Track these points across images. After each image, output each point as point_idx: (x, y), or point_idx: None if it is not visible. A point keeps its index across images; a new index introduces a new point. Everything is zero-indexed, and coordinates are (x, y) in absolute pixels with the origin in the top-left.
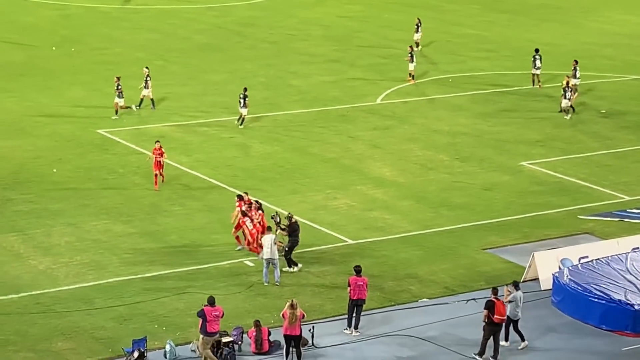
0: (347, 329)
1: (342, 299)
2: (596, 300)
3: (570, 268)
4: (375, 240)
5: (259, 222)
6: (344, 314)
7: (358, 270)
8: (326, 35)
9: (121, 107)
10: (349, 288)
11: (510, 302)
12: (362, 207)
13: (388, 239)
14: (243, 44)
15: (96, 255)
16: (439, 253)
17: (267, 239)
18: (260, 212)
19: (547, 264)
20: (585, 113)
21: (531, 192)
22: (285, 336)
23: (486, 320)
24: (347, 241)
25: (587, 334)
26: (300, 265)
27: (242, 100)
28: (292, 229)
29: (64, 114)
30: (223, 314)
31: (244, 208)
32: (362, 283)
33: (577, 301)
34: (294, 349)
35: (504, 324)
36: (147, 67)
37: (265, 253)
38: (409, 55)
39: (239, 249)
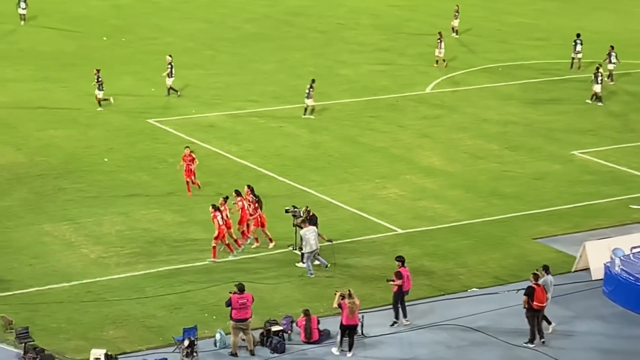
0: (397, 322)
1: (390, 289)
2: None
3: (622, 258)
4: (424, 230)
5: (258, 216)
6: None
7: (404, 261)
8: (375, 24)
9: (100, 99)
10: (400, 280)
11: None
12: (412, 196)
13: (437, 228)
14: (292, 33)
15: (146, 244)
16: (489, 243)
17: (311, 232)
18: (257, 206)
19: (598, 254)
20: (638, 102)
21: (582, 182)
22: (345, 326)
23: (526, 307)
24: (396, 230)
25: (639, 324)
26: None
27: (308, 91)
28: (313, 223)
29: (114, 104)
30: (252, 301)
31: (244, 203)
32: (408, 273)
33: (629, 291)
34: (347, 339)
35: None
36: (170, 56)
37: (312, 245)
38: (438, 40)
39: (248, 244)
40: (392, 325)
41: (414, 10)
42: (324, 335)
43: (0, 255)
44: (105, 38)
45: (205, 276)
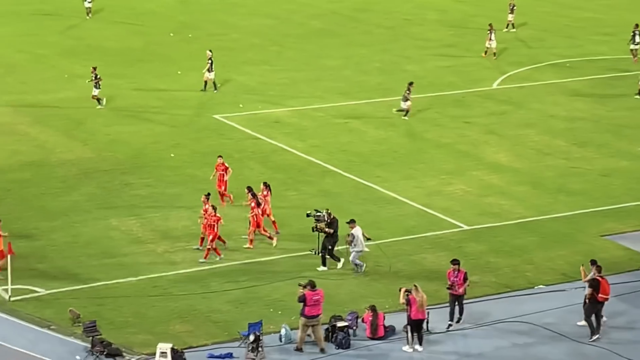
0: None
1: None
2: None
3: None
4: (490, 226)
5: (254, 215)
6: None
7: (458, 262)
8: (442, 19)
9: (93, 97)
10: (459, 283)
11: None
12: (478, 192)
13: (504, 224)
14: (358, 29)
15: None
16: (556, 239)
17: (359, 232)
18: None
19: None
20: None
21: None
22: (414, 321)
23: (589, 299)
24: (462, 227)
25: None
26: (343, 260)
27: (405, 94)
28: (336, 227)
29: (181, 100)
30: (323, 297)
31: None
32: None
33: None
34: (415, 333)
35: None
36: (210, 51)
37: (360, 245)
38: (488, 32)
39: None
40: (448, 328)
41: (480, 5)
42: (390, 332)
43: (68, 249)
44: (172, 34)
45: (270, 271)
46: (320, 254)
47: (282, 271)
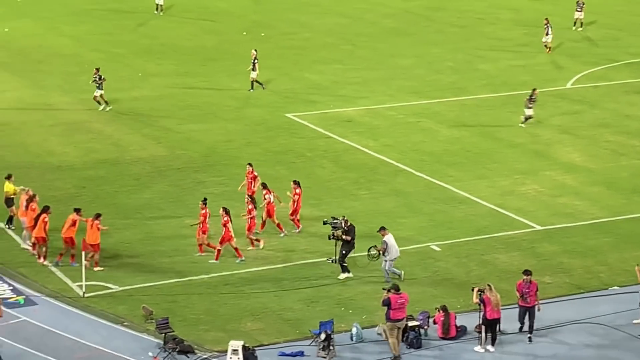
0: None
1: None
2: None
3: None
4: (564, 227)
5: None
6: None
7: (530, 273)
8: (515, 18)
9: (95, 98)
10: (532, 295)
11: None
12: (551, 192)
13: (577, 225)
14: (431, 28)
15: (284, 238)
16: (631, 240)
17: (391, 240)
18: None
19: None
20: None
21: None
22: (489, 320)
23: None
24: (535, 227)
25: None
26: (351, 273)
27: (528, 101)
28: (353, 232)
29: (253, 98)
30: (408, 301)
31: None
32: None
33: None
34: (489, 334)
35: None
36: (255, 50)
37: (394, 252)
38: (545, 27)
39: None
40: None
41: (554, 4)
42: (461, 331)
43: (141, 246)
44: (245, 33)
45: (341, 270)
46: (338, 262)
47: (352, 270)
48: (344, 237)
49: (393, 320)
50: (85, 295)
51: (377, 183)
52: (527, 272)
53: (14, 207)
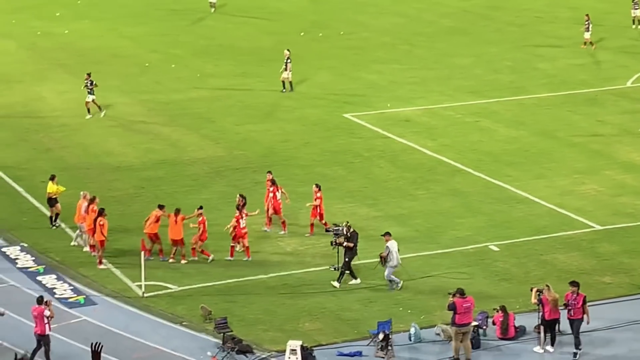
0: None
1: (589, 286)
2: None
3: None
4: (624, 227)
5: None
6: (594, 301)
7: (577, 285)
8: (574, 17)
9: (94, 104)
10: (577, 307)
11: None
12: (611, 192)
13: (638, 225)
14: (489, 27)
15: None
16: None
17: (394, 246)
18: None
19: None
20: None
21: None
22: (548, 321)
23: None
24: (594, 227)
25: None
26: (359, 280)
27: None
28: (355, 239)
29: (311, 98)
30: (474, 305)
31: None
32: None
33: None
34: (548, 334)
35: None
36: (288, 50)
37: (394, 260)
38: (586, 23)
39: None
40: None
41: (614, 2)
42: (520, 332)
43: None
44: (302, 33)
45: (399, 270)
46: (340, 270)
47: (410, 270)
48: (345, 243)
49: (459, 325)
50: (145, 295)
51: (435, 183)
52: (574, 284)
53: (58, 205)
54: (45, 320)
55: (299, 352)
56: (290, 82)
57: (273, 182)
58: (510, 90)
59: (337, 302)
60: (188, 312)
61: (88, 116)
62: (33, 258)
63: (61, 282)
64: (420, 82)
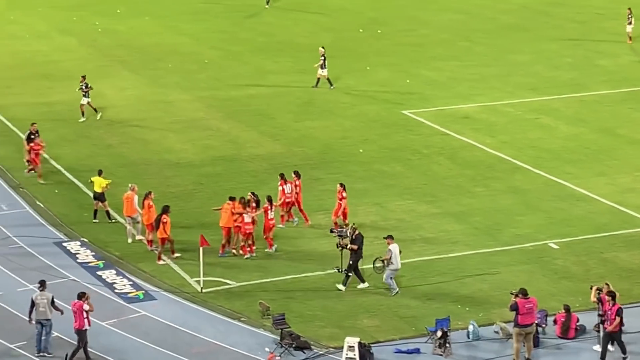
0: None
1: None
2: None
3: None
4: None
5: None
6: None
7: (613, 295)
8: (636, 14)
9: (89, 106)
10: (611, 318)
11: None
12: None
13: None
14: (550, 24)
15: (400, 235)
16: None
17: (396, 249)
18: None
19: None
20: None
21: None
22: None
23: None
24: None
25: None
26: (367, 283)
27: None
28: (360, 242)
29: (369, 95)
30: (537, 305)
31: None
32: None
33: None
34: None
35: None
36: (322, 47)
37: (398, 263)
38: (628, 16)
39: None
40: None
41: None
42: (580, 331)
43: (257, 242)
44: (361, 30)
45: (457, 267)
46: (342, 271)
47: (469, 267)
48: (349, 246)
49: (521, 326)
50: (203, 290)
51: (494, 180)
52: (610, 294)
53: (106, 203)
54: (84, 315)
55: (356, 348)
56: (328, 79)
57: (282, 176)
58: (571, 87)
59: (395, 299)
60: (246, 308)
61: (82, 119)
62: (93, 253)
63: (121, 277)
64: (480, 79)
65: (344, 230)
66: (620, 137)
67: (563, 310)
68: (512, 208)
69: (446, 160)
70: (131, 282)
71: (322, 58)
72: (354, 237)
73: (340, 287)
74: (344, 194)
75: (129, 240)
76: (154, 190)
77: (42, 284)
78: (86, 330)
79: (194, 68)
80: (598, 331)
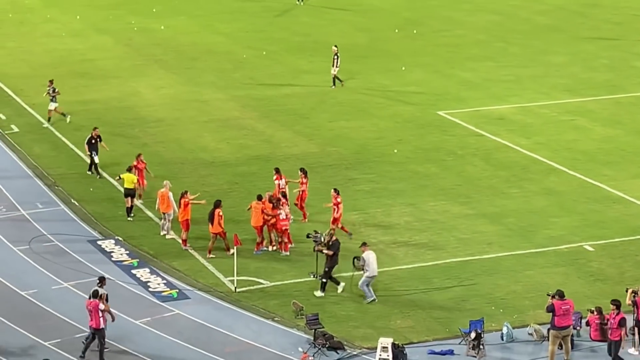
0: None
1: None
2: None
3: None
4: None
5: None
6: None
7: (617, 305)
8: None
9: (56, 111)
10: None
11: None
12: None
13: None
14: (586, 25)
15: (434, 236)
16: None
17: (371, 256)
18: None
19: None
20: None
21: None
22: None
23: None
24: None
25: None
26: (343, 284)
27: None
28: (336, 248)
29: (404, 96)
30: (573, 307)
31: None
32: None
33: None
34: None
35: None
36: (335, 46)
37: (373, 270)
38: None
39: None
40: None
41: None
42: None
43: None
44: (397, 30)
45: (492, 269)
46: (318, 278)
47: (503, 269)
48: (325, 251)
49: (557, 328)
50: (237, 290)
51: (529, 182)
52: (614, 302)
53: (135, 199)
54: (100, 314)
55: (390, 349)
56: (335, 77)
57: (277, 171)
58: (607, 89)
59: (429, 300)
60: (280, 307)
61: (45, 124)
62: (127, 251)
63: (155, 275)
64: (515, 80)
65: (319, 235)
66: None
67: (596, 313)
68: (547, 210)
69: (481, 162)
70: (165, 281)
71: (335, 57)
72: (330, 243)
73: (319, 293)
74: (339, 199)
75: (162, 233)
76: (189, 190)
77: (101, 281)
78: (103, 329)
79: (229, 67)
80: (633, 334)
